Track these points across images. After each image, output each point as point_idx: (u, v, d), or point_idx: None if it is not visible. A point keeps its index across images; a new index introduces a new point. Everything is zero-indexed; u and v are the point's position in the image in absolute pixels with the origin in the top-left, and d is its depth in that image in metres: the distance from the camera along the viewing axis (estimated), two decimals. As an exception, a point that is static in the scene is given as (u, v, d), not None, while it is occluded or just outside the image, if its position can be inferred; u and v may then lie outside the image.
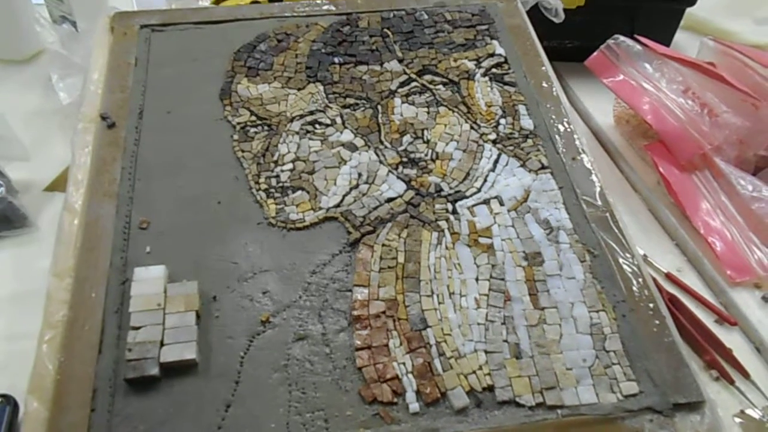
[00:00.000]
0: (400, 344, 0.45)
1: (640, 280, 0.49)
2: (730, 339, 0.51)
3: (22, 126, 0.70)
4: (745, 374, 0.48)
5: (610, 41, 0.69)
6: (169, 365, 0.43)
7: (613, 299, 0.47)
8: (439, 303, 0.47)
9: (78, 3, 0.78)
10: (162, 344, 0.43)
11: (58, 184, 0.66)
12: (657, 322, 0.46)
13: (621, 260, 0.50)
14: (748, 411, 0.46)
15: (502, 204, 0.53)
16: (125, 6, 0.74)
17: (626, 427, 0.41)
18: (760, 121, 0.59)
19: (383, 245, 0.50)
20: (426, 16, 0.68)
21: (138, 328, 0.44)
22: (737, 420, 0.46)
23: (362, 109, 0.59)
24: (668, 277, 0.56)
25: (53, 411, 0.41)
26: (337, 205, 0.52)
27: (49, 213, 0.63)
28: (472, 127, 0.58)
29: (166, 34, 0.66)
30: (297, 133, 0.57)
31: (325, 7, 0.69)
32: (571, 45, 0.80)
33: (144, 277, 0.46)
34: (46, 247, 0.57)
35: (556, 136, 0.58)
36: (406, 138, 0.57)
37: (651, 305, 0.47)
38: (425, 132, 0.58)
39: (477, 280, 0.48)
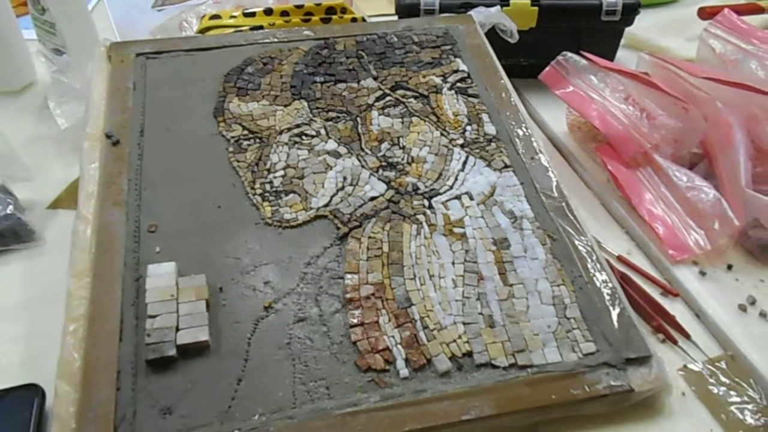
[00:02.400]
0: (389, 320, 0.51)
1: (594, 257, 0.56)
2: (674, 308, 0.58)
3: (21, 151, 0.75)
4: (687, 335, 0.55)
5: (559, 57, 0.77)
6: (184, 347, 0.48)
7: (571, 275, 0.54)
8: (421, 284, 0.53)
9: (70, 36, 0.84)
10: (177, 329, 0.48)
11: (60, 202, 0.71)
12: (608, 292, 0.53)
13: (576, 242, 0.57)
14: (690, 366, 0.53)
15: (471, 198, 0.60)
16: (109, 38, 0.79)
17: (587, 380, 0.48)
18: (690, 122, 0.68)
19: (369, 237, 0.56)
20: (396, 39, 0.76)
21: (155, 316, 0.49)
22: (681, 373, 0.53)
23: (343, 121, 0.66)
24: (619, 259, 0.63)
25: (82, 393, 0.45)
26: (326, 205, 0.59)
27: (53, 228, 0.67)
28: (442, 134, 0.66)
29: (160, 60, 0.72)
30: (286, 144, 0.64)
31: (305, 33, 0.76)
32: (525, 63, 0.88)
33: (157, 273, 0.51)
34: (53, 258, 0.63)
35: (516, 140, 0.66)
36: (384, 145, 0.64)
37: (603, 278, 0.54)
38: (401, 139, 0.65)
39: (453, 263, 0.55)
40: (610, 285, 0.54)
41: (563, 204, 0.60)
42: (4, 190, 0.66)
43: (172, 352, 0.47)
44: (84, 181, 0.59)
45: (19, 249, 0.64)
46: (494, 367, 0.48)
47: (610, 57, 0.89)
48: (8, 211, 0.64)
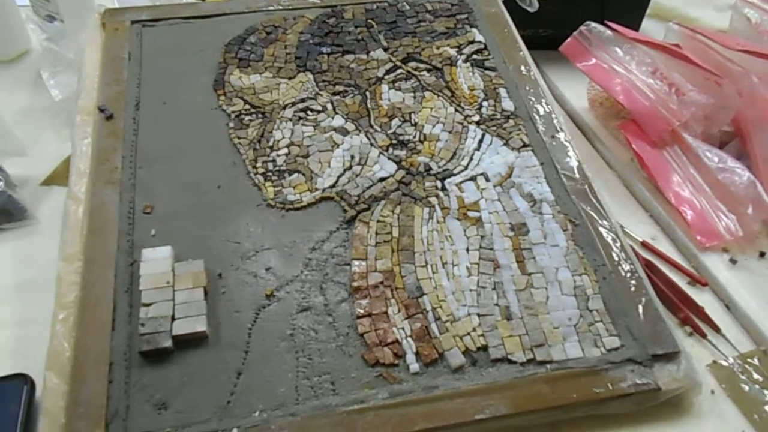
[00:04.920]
0: (399, 311, 0.48)
1: (618, 245, 0.52)
2: (702, 298, 0.54)
3: (14, 124, 0.71)
4: (716, 329, 0.52)
5: (582, 28, 0.73)
6: (181, 338, 0.45)
7: (593, 263, 0.51)
8: (433, 272, 0.50)
9: (64, 2, 0.79)
10: (173, 318, 0.45)
11: (55, 178, 0.67)
12: (634, 282, 0.50)
13: (600, 228, 0.53)
14: (720, 361, 0.50)
15: (488, 180, 0.56)
16: (108, 4, 0.75)
17: (610, 378, 0.45)
18: (722, 98, 0.63)
19: (378, 221, 0.53)
20: (408, 7, 0.71)
21: (149, 305, 0.46)
22: (709, 369, 0.49)
23: (351, 95, 0.62)
24: (644, 245, 0.60)
25: (72, 385, 0.43)
26: (333, 186, 0.55)
27: (47, 206, 0.64)
28: (456, 110, 0.62)
29: (157, 29, 0.68)
30: (290, 119, 0.60)
31: (311, 0, 0.71)
32: (545, 34, 0.83)
33: (152, 258, 0.48)
34: (46, 238, 0.59)
35: (536, 116, 0.61)
36: (395, 121, 0.60)
37: (628, 268, 0.51)
38: (412, 115, 0.61)
39: (468, 250, 0.51)
40: (636, 275, 0.50)
41: (586, 186, 0.56)
42: (-6, 166, 0.63)
43: (168, 343, 0.44)
44: (75, 157, 0.56)
45: (10, 228, 0.61)
46: (511, 362, 0.45)
47: (635, 28, 0.84)
48: (-2, 189, 0.61)
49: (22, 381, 0.46)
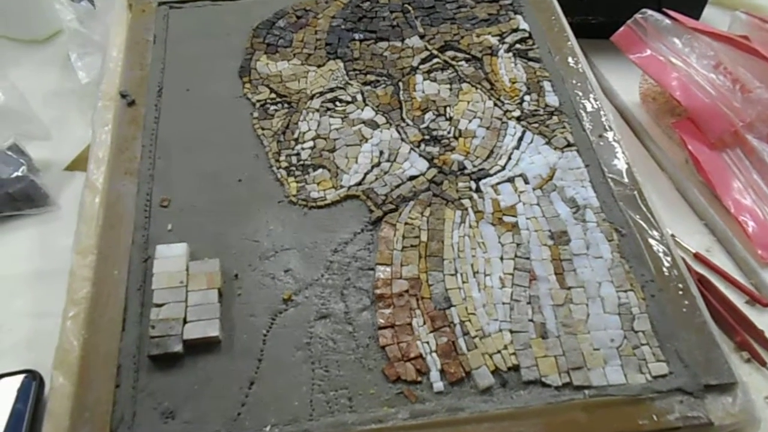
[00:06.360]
0: (424, 323, 0.44)
1: (669, 259, 0.48)
2: (762, 320, 0.49)
3: (41, 106, 0.70)
4: (778, 356, 0.47)
5: (637, 16, 0.67)
6: (192, 342, 0.42)
7: (641, 279, 0.46)
8: (463, 282, 0.46)
9: (95, -19, 0.78)
10: (185, 321, 0.43)
11: (79, 164, 0.66)
12: (687, 302, 0.45)
13: (650, 239, 0.49)
14: (781, 393, 0.45)
15: (527, 182, 0.52)
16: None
17: (655, 408, 0.41)
18: (794, 97, 0.58)
19: (406, 224, 0.49)
20: (448, -9, 0.66)
21: (161, 306, 0.44)
22: (769, 402, 0.45)
23: (383, 86, 0.58)
24: (697, 257, 0.55)
25: (78, 387, 0.41)
26: (359, 184, 0.52)
27: (69, 192, 0.63)
28: (495, 104, 0.57)
29: (184, 11, 0.65)
30: (317, 110, 0.57)
31: (345, -17, 0.68)
32: (595, 21, 0.78)
33: (166, 255, 0.46)
34: (67, 225, 0.57)
35: (582, 113, 0.57)
36: (428, 115, 0.56)
37: (681, 285, 0.46)
38: (448, 109, 0.57)
39: (502, 259, 0.47)
40: (689, 293, 0.46)
41: (635, 192, 0.52)
42: (17, 150, 0.62)
43: (178, 347, 0.42)
44: (95, 145, 0.54)
45: (32, 214, 0.60)
46: (545, 385, 0.42)
47: (696, 16, 0.77)
48: (20, 173, 0.60)
49: (30, 378, 0.45)
